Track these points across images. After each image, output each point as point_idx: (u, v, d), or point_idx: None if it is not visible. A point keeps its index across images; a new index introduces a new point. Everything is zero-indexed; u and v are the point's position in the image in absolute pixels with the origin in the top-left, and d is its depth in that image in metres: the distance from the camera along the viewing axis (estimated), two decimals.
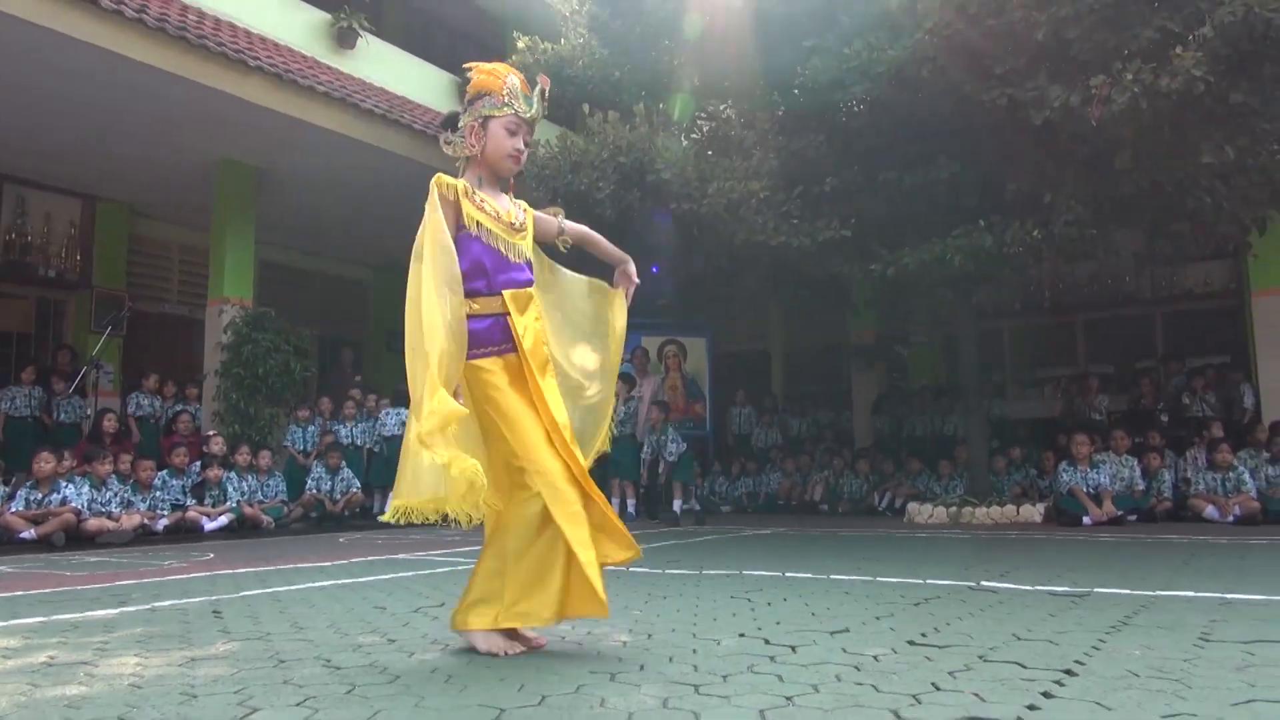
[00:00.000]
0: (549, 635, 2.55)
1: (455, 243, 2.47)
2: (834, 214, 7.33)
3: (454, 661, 2.30)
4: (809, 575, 4.10)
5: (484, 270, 2.50)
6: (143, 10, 7.52)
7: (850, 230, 7.18)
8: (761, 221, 7.20)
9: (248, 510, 8.00)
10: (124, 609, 3.36)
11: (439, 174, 2.55)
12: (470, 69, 2.67)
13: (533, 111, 2.63)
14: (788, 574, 4.17)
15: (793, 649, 2.36)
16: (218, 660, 2.36)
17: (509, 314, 2.50)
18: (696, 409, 13.14)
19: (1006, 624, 2.72)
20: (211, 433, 8.98)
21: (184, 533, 7.52)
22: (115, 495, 7.43)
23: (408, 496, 2.36)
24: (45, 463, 6.97)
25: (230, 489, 8.04)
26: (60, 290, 10.95)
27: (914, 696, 1.83)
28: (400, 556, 5.50)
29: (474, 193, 2.54)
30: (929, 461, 10.58)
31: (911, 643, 2.43)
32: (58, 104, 8.33)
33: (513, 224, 2.59)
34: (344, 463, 9.37)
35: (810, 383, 15.33)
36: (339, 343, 13.81)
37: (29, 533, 6.61)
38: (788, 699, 1.84)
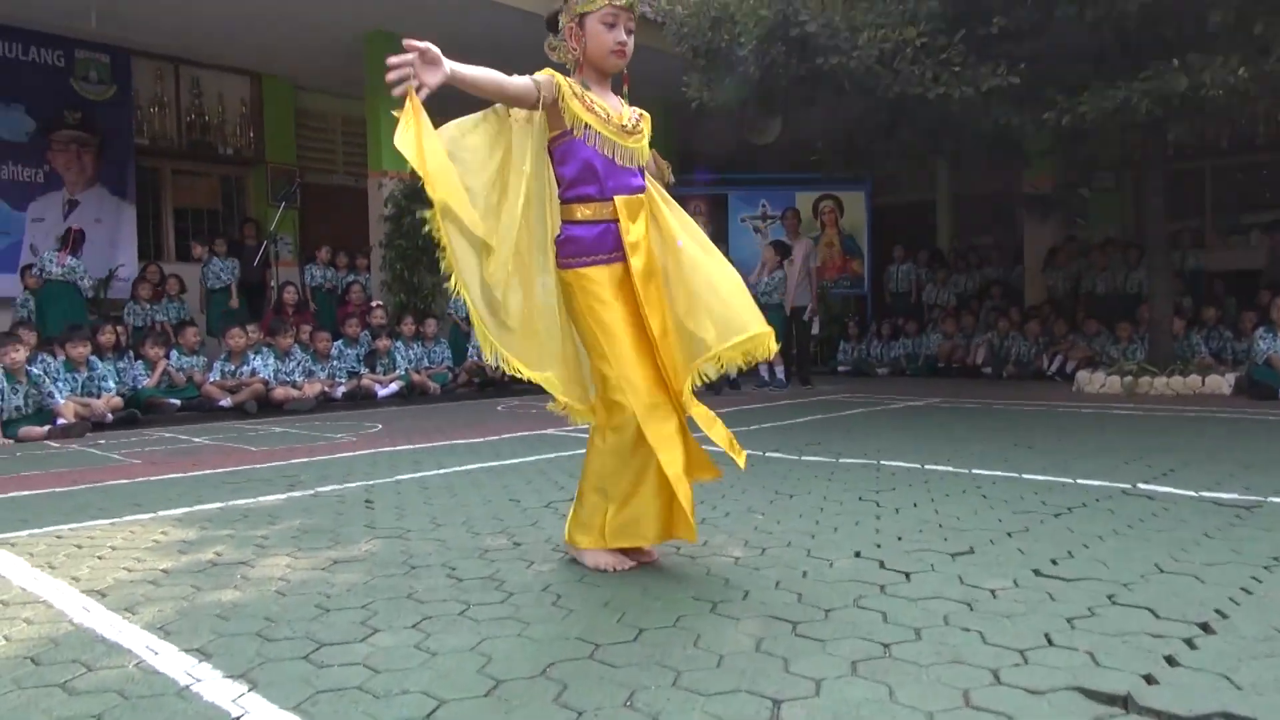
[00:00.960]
0: (667, 544, 2.59)
1: (563, 148, 2.40)
2: (1001, 58, 6.64)
3: (566, 577, 2.38)
4: (949, 469, 3.96)
5: (594, 174, 2.39)
6: None
7: (1020, 76, 6.50)
8: (918, 72, 6.62)
9: (415, 377, 8.50)
10: (290, 494, 3.67)
11: (545, 69, 2.43)
12: None
13: None
14: (927, 466, 4.04)
15: (906, 577, 2.30)
16: (356, 564, 2.55)
17: (618, 220, 2.42)
18: (854, 266, 12.75)
19: (1152, 547, 2.53)
20: (375, 304, 9.50)
21: (360, 399, 8.10)
22: (298, 365, 8.05)
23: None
24: (236, 338, 7.60)
25: (399, 357, 8.54)
26: (239, 167, 11.63)
27: (1021, 653, 1.74)
28: (549, 432, 5.71)
29: (583, 94, 2.42)
30: (1107, 322, 9.87)
31: (1038, 572, 2.31)
32: None
33: (624, 126, 2.46)
34: None
35: (980, 234, 14.44)
36: None
37: (225, 401, 7.31)
38: (885, 647, 1.80)
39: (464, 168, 2.37)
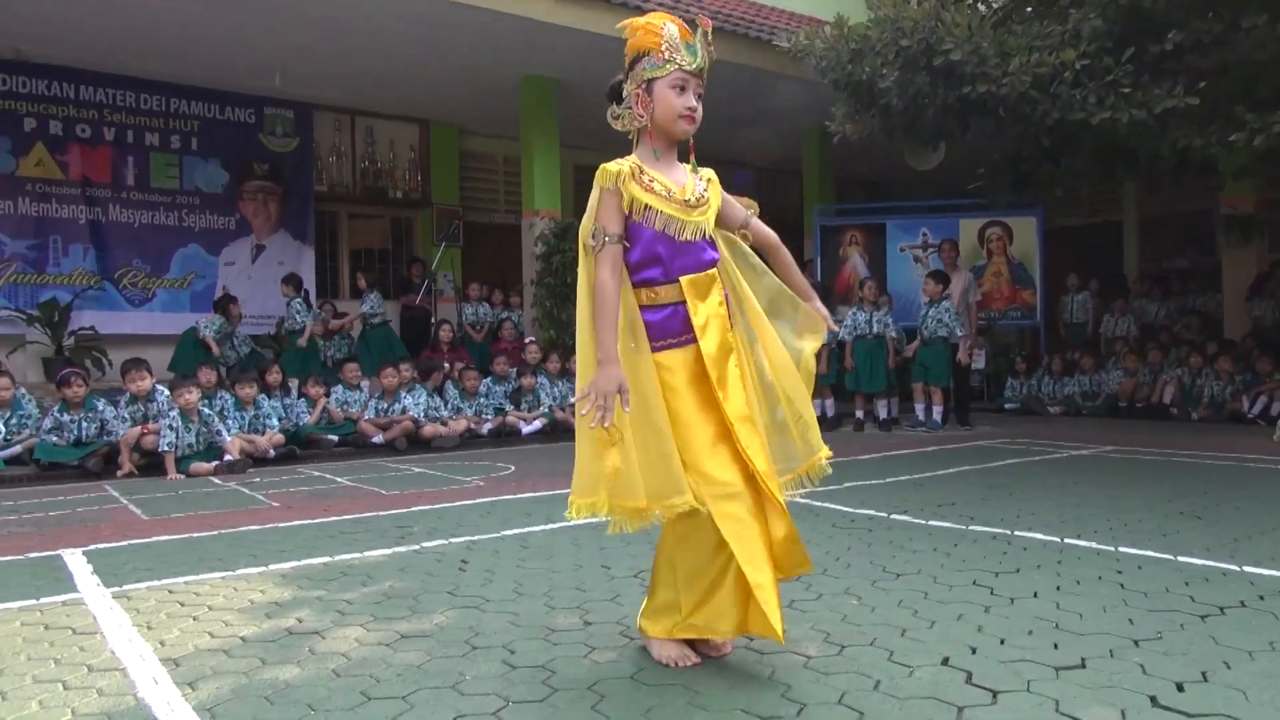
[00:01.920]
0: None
1: (627, 233, 2.31)
2: (1178, 76, 6.02)
3: (618, 673, 2.26)
4: (1092, 545, 3.55)
5: (658, 257, 2.29)
6: None
7: (1198, 96, 5.86)
8: (1080, 96, 6.11)
9: (559, 415, 8.62)
10: (396, 549, 3.74)
11: (603, 164, 2.35)
12: (624, 28, 2.41)
13: (698, 61, 2.32)
14: (1067, 540, 3.65)
15: (993, 696, 2.03)
16: (421, 640, 2.53)
17: (685, 301, 2.30)
18: (1024, 296, 11.95)
19: None
20: (529, 340, 9.73)
21: (505, 436, 8.29)
22: (448, 402, 8.34)
23: (576, 493, 2.32)
24: (389, 377, 7.96)
25: (543, 394, 8.69)
26: (408, 208, 12.28)
27: None
28: None
29: (642, 173, 2.31)
30: None
31: (1155, 701, 1.98)
32: (389, 43, 9.08)
33: (687, 200, 2.34)
34: None
35: (1173, 258, 13.23)
36: None
37: (378, 438, 7.66)
38: None
39: None
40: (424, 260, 11.66)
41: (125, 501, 5.20)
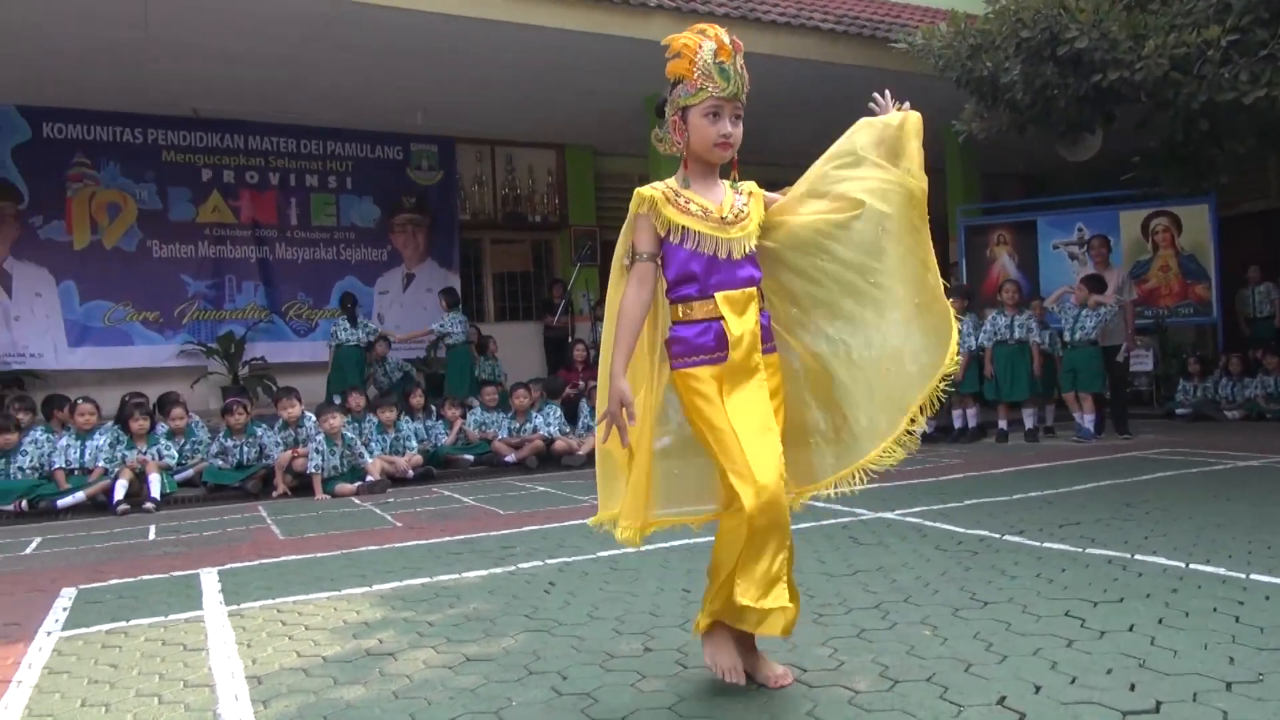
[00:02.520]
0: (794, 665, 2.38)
1: (665, 251, 2.34)
2: None
3: (662, 700, 2.26)
4: (1219, 572, 3.24)
5: (693, 275, 2.31)
6: None
7: None
8: (1230, 74, 5.60)
9: None
10: (493, 570, 3.87)
11: (637, 189, 2.40)
12: (667, 45, 2.42)
13: (730, 86, 2.31)
14: (1192, 566, 3.34)
15: None
16: (485, 664, 2.62)
17: (724, 318, 2.30)
18: (1197, 291, 11.01)
19: None
20: None
21: None
22: (580, 420, 8.54)
23: (603, 508, 2.41)
24: (520, 398, 8.24)
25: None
26: (547, 231, 12.67)
27: None
28: (825, 493, 5.50)
29: (677, 195, 2.34)
30: None
31: None
32: (521, 75, 9.41)
33: (724, 218, 2.34)
34: None
35: None
36: None
37: (511, 457, 7.94)
38: None
39: None
40: (563, 281, 12.01)
41: (269, 522, 5.63)
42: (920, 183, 2.43)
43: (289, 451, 6.91)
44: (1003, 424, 8.34)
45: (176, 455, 6.96)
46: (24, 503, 6.29)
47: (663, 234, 2.32)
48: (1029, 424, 8.21)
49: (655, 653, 2.66)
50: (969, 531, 4.20)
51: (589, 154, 12.64)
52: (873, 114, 2.51)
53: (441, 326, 10.29)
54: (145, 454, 6.62)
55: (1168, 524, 4.16)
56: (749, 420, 2.26)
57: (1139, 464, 6.32)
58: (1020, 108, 6.44)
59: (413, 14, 7.83)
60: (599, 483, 2.39)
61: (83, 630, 3.21)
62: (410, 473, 7.29)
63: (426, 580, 3.75)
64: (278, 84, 9.51)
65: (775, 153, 13.03)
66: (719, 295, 2.29)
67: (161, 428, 7.24)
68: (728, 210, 2.35)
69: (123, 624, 3.27)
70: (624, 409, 2.20)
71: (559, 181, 12.55)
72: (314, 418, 6.99)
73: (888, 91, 2.60)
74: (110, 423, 6.96)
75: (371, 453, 7.16)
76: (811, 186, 2.47)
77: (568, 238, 12.54)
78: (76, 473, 6.60)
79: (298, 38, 8.22)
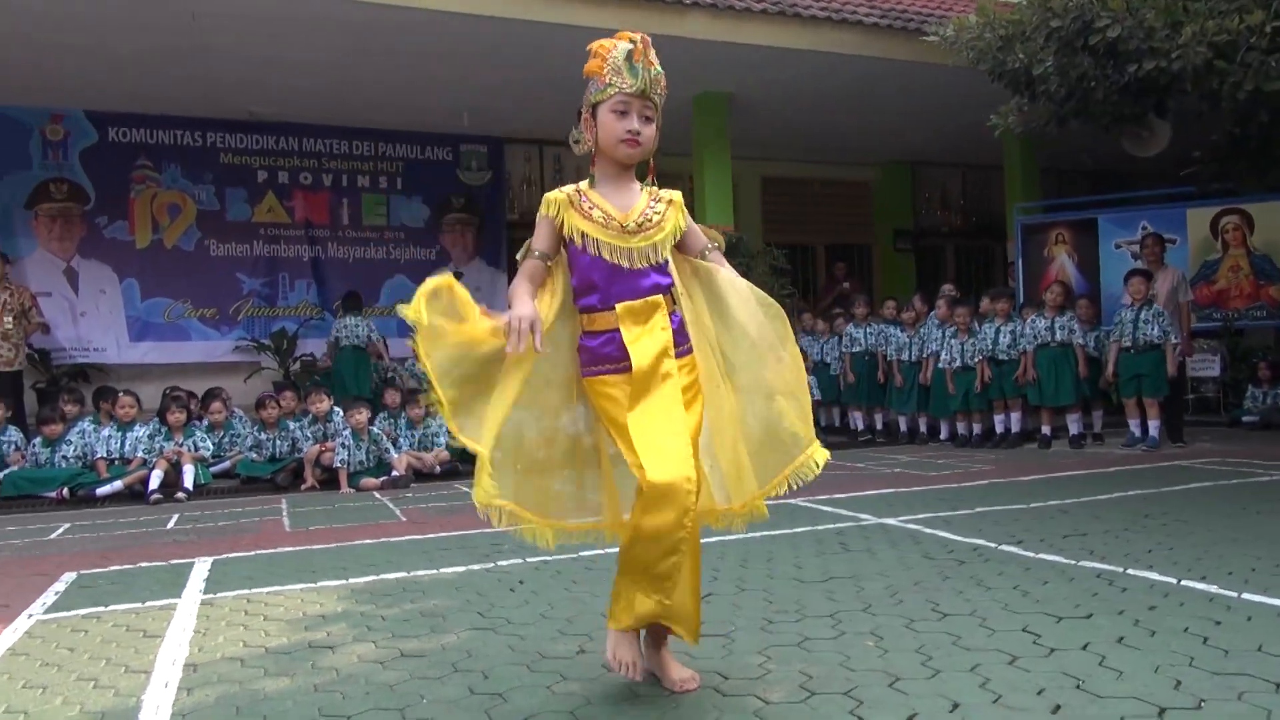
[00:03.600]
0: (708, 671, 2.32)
1: (570, 256, 2.32)
2: None
3: (567, 704, 2.22)
4: (1211, 589, 3.04)
5: (594, 284, 2.28)
6: None
7: None
8: (1276, 63, 5.27)
9: None
10: (472, 566, 3.88)
11: (546, 192, 2.38)
12: (590, 51, 2.39)
13: (638, 83, 2.27)
14: (1184, 582, 3.15)
15: None
16: (414, 660, 2.62)
17: (620, 329, 2.26)
18: (1270, 293, 10.42)
19: None
20: None
21: None
22: None
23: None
24: None
25: None
26: None
27: None
28: (798, 502, 5.39)
29: (582, 199, 2.32)
30: None
31: None
32: (569, 76, 9.38)
33: (625, 226, 2.29)
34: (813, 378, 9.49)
35: None
36: (841, 249, 13.82)
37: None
38: None
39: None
40: None
41: (284, 514, 5.76)
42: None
43: (317, 446, 7.07)
44: (1045, 429, 8.03)
45: (212, 448, 7.18)
46: (65, 490, 6.58)
47: (569, 238, 2.29)
48: (1074, 430, 7.88)
49: (588, 654, 2.62)
50: (965, 540, 4.05)
51: None
52: None
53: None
54: (181, 446, 6.85)
55: (1178, 538, 3.93)
56: (657, 423, 2.20)
57: (1178, 474, 6.00)
58: (1057, 100, 6.18)
59: (457, 17, 7.92)
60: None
61: (61, 614, 3.33)
62: (438, 468, 7.37)
63: (402, 575, 3.78)
64: (330, 88, 9.73)
65: (812, 149, 12.87)
66: (619, 306, 2.25)
67: (203, 421, 7.48)
68: (634, 217, 2.31)
69: (100, 609, 3.38)
70: (534, 328, 2.13)
71: None
72: (342, 413, 7.13)
73: None
74: (155, 415, 7.22)
75: (399, 448, 7.27)
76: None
77: None
78: (117, 462, 6.87)
79: (347, 43, 8.39)
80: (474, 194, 11.77)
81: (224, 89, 9.56)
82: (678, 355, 2.31)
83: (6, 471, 6.71)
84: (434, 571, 3.82)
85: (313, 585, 3.64)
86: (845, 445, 8.87)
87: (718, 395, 2.38)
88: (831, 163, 13.53)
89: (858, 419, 9.57)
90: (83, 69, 8.79)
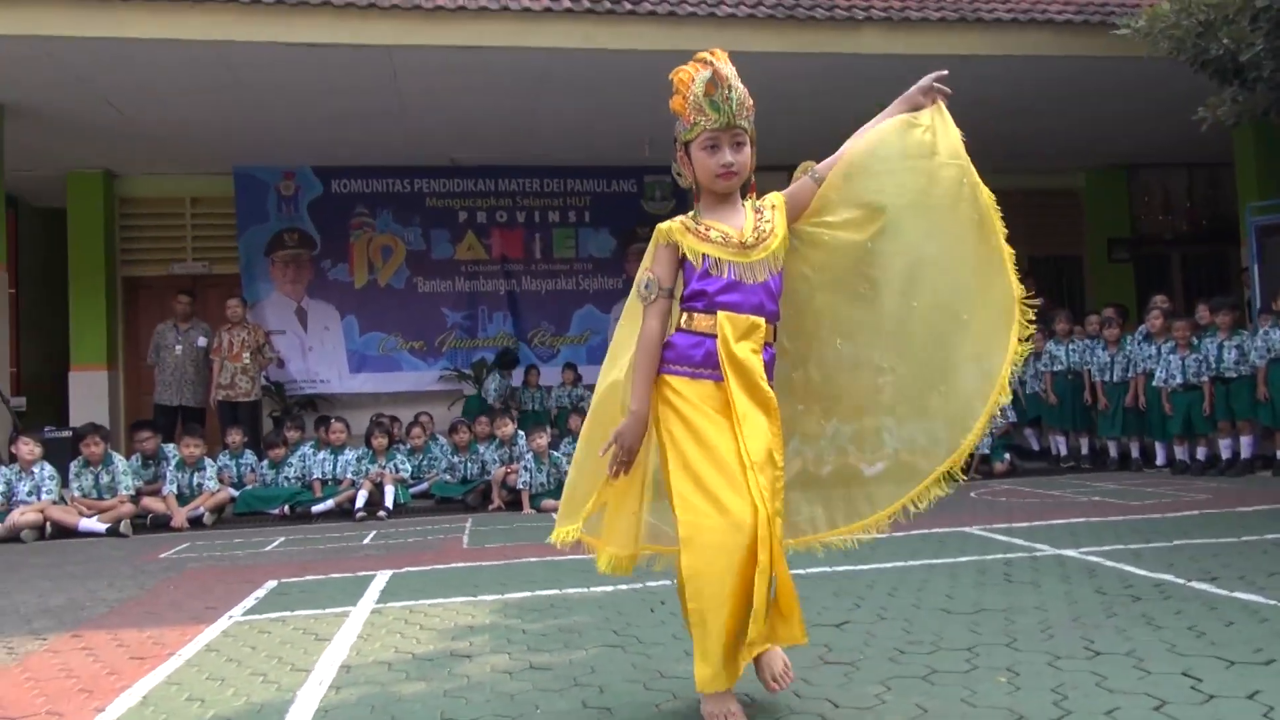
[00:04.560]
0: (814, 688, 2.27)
1: (684, 276, 2.37)
2: None
3: (673, 717, 2.25)
4: None
5: (705, 292, 2.31)
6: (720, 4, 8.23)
7: None
8: None
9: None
10: (619, 586, 3.95)
11: (659, 223, 2.43)
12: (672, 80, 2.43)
13: (722, 116, 2.28)
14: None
15: None
16: (541, 673, 2.74)
17: (717, 335, 2.27)
18: None
19: None
20: None
21: None
22: None
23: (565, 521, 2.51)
24: None
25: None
26: None
27: None
28: (973, 530, 5.12)
29: (697, 224, 2.35)
30: None
31: None
32: (756, 101, 9.48)
33: (744, 242, 2.32)
34: None
35: None
36: (1048, 262, 12.97)
37: None
38: None
39: None
40: None
41: (466, 532, 6.11)
42: (961, 163, 2.37)
43: (503, 468, 7.46)
44: None
45: (411, 470, 7.74)
46: (287, 508, 7.32)
47: (685, 262, 2.33)
48: None
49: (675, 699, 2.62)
50: (1150, 575, 3.70)
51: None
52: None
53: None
54: (384, 468, 7.44)
55: None
56: (758, 448, 2.19)
57: None
58: (1274, 85, 5.55)
59: (626, 54, 8.23)
60: (565, 495, 2.46)
61: (255, 617, 3.73)
62: None
63: (555, 592, 3.93)
64: (520, 130, 10.34)
65: (1010, 156, 12.14)
66: (721, 314, 2.26)
67: (405, 445, 8.10)
68: (749, 233, 2.32)
69: (287, 613, 3.75)
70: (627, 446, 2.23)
71: None
72: (525, 437, 7.49)
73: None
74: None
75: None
76: (848, 176, 2.42)
77: None
78: (330, 483, 7.57)
79: (529, 87, 8.91)
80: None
81: (427, 139, 10.38)
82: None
83: (241, 491, 7.56)
84: (584, 590, 3.94)
85: (471, 599, 3.86)
86: (1045, 472, 8.29)
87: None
88: (1033, 171, 12.75)
89: (1060, 443, 8.91)
90: (309, 130, 9.83)
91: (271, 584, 4.45)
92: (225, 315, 9.25)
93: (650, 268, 2.35)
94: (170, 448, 7.55)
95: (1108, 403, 8.22)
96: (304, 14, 7.51)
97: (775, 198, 2.42)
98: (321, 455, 7.71)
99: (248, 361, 8.98)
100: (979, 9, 8.52)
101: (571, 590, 3.94)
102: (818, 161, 2.49)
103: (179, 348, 9.18)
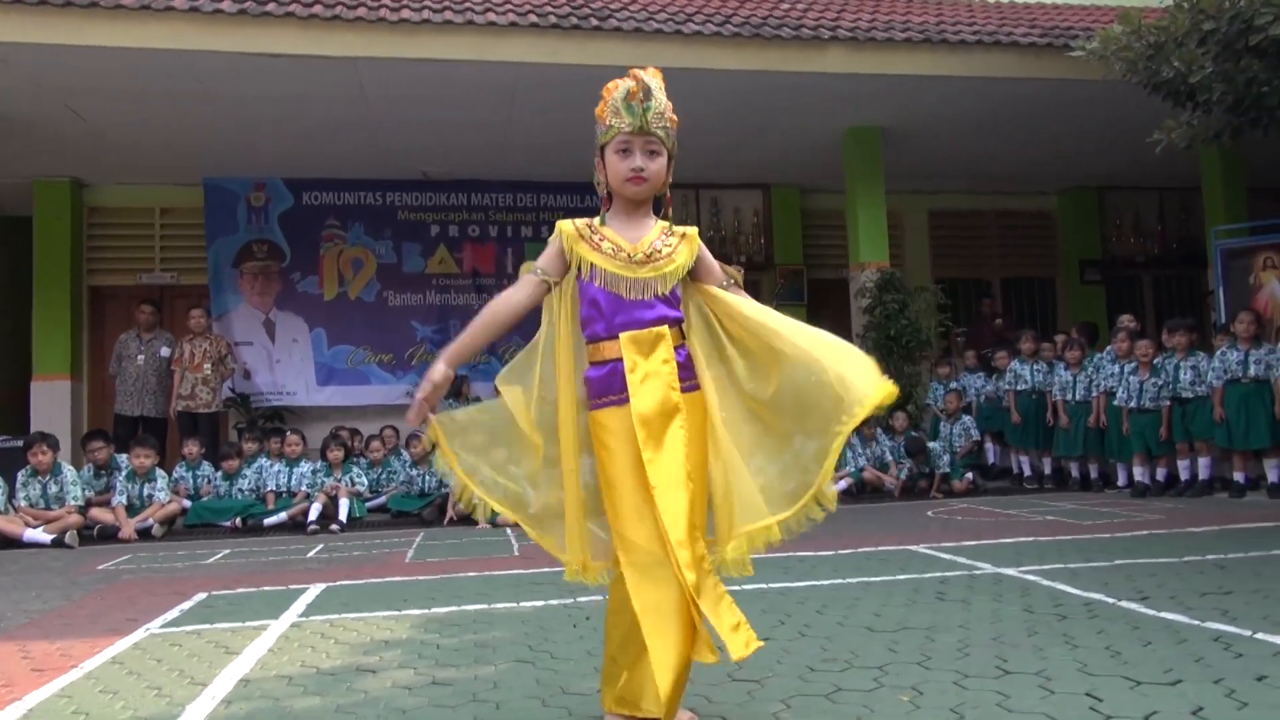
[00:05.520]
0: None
1: (579, 288, 2.32)
2: None
3: None
4: None
5: (600, 312, 2.27)
6: (724, 23, 8.25)
7: None
8: None
9: (868, 475, 8.21)
10: (550, 601, 3.90)
11: (560, 220, 2.41)
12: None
13: (636, 119, 2.27)
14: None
15: None
16: (441, 689, 2.67)
17: (623, 359, 2.24)
18: None
19: None
20: None
21: None
22: None
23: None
24: None
25: (849, 454, 8.34)
26: (752, 271, 12.60)
27: None
28: (918, 549, 5.07)
29: (593, 233, 2.32)
30: None
31: None
32: (720, 118, 9.41)
33: (633, 257, 2.28)
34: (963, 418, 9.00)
35: None
36: (1020, 283, 13.04)
37: None
38: None
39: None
40: None
41: (413, 546, 6.02)
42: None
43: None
44: (1239, 476, 7.12)
45: (368, 484, 7.66)
46: (239, 520, 7.22)
47: (574, 269, 2.30)
48: (1272, 477, 6.95)
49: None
50: (1083, 594, 3.66)
51: (795, 192, 12.49)
52: None
53: None
54: (339, 481, 7.36)
55: None
56: (664, 472, 2.14)
57: None
58: (1224, 108, 5.57)
59: (594, 69, 8.21)
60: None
61: (172, 630, 3.64)
62: None
63: (482, 607, 3.86)
64: (490, 145, 10.31)
65: (983, 178, 12.20)
66: (623, 335, 2.23)
67: (364, 459, 8.02)
68: (644, 248, 2.29)
69: (205, 626, 3.67)
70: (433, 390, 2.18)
71: (764, 221, 12.50)
72: None
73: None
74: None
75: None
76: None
77: (773, 277, 12.43)
78: (284, 496, 7.47)
79: (497, 101, 8.89)
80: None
81: (398, 153, 10.35)
82: (686, 390, 2.26)
83: (193, 503, 7.45)
84: (513, 605, 3.88)
85: (395, 613, 3.79)
86: (1006, 491, 8.27)
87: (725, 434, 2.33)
88: (1006, 192, 12.83)
89: (1024, 463, 8.89)
90: (280, 142, 9.79)
91: (200, 596, 4.36)
92: (188, 326, 9.16)
93: (540, 257, 2.34)
94: (123, 458, 7.45)
95: (1069, 421, 8.22)
96: (267, 25, 7.48)
97: (691, 230, 2.40)
98: (276, 467, 7.62)
99: (209, 372, 8.90)
100: (944, 30, 8.57)
101: (500, 605, 3.88)
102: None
103: (141, 358, 9.09)
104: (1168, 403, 7.45)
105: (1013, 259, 13.12)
